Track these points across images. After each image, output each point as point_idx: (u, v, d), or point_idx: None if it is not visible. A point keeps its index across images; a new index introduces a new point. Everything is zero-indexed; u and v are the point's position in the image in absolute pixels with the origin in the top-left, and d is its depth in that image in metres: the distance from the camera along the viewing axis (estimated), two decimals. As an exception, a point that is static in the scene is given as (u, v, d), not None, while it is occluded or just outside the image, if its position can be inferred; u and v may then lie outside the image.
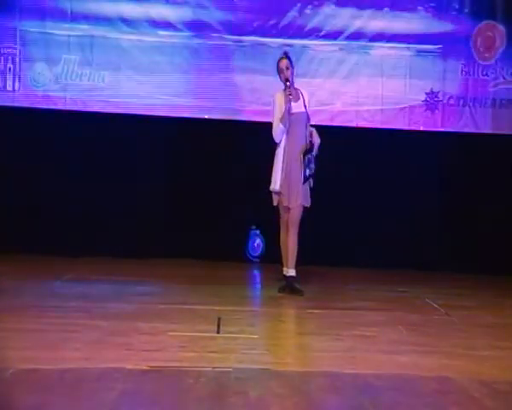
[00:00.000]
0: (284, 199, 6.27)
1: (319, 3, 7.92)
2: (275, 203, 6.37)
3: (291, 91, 6.28)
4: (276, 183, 6.30)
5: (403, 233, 8.00)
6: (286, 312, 5.97)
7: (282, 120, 6.28)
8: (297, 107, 6.33)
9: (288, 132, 6.30)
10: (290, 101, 6.26)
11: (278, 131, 6.31)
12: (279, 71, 6.39)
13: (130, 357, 4.09)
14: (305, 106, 6.35)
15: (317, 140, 6.29)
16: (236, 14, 7.89)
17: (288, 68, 6.34)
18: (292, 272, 6.30)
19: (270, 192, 6.36)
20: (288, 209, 6.30)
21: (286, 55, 6.42)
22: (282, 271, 6.43)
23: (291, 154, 6.29)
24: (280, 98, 6.35)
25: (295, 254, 6.28)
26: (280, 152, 6.33)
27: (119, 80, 7.84)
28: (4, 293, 5.69)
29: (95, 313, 5.17)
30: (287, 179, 6.26)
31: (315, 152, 6.28)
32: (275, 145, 6.35)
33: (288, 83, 6.30)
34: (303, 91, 6.43)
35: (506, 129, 8.04)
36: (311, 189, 6.36)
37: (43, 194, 7.80)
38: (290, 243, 6.29)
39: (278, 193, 6.30)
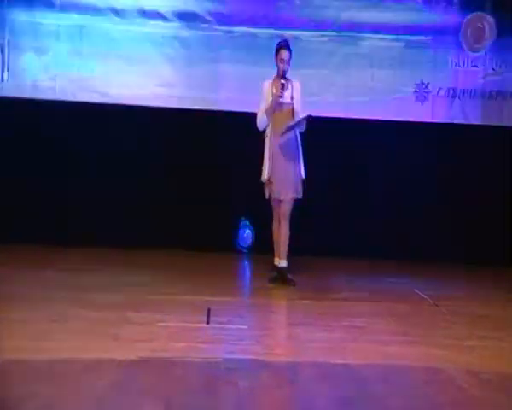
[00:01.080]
0: (275, 192, 6.28)
1: (309, -6, 7.92)
2: (266, 196, 6.38)
3: (282, 93, 6.20)
4: (264, 173, 6.31)
5: (391, 223, 8.02)
6: (275, 302, 5.97)
7: (266, 112, 6.27)
8: (284, 98, 6.27)
9: (273, 124, 6.29)
10: (279, 97, 6.20)
11: (262, 122, 6.32)
12: (278, 59, 6.27)
13: (120, 347, 4.09)
14: (292, 97, 6.31)
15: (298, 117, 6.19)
16: (227, 5, 7.87)
17: (287, 62, 6.27)
18: (284, 263, 6.31)
19: (261, 183, 6.37)
20: (279, 202, 6.32)
21: (288, 47, 6.30)
22: (272, 261, 6.46)
23: (276, 146, 6.28)
24: (267, 89, 6.32)
25: (287, 244, 6.29)
26: (266, 143, 6.34)
27: (109, 70, 7.80)
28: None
29: (84, 303, 5.15)
30: (275, 171, 6.26)
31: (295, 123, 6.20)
32: (263, 135, 6.35)
33: (282, 79, 6.23)
34: (294, 83, 6.35)
35: (495, 120, 8.05)
36: (303, 181, 6.36)
37: (33, 184, 7.77)
38: (282, 234, 6.30)
39: (268, 184, 6.30)
